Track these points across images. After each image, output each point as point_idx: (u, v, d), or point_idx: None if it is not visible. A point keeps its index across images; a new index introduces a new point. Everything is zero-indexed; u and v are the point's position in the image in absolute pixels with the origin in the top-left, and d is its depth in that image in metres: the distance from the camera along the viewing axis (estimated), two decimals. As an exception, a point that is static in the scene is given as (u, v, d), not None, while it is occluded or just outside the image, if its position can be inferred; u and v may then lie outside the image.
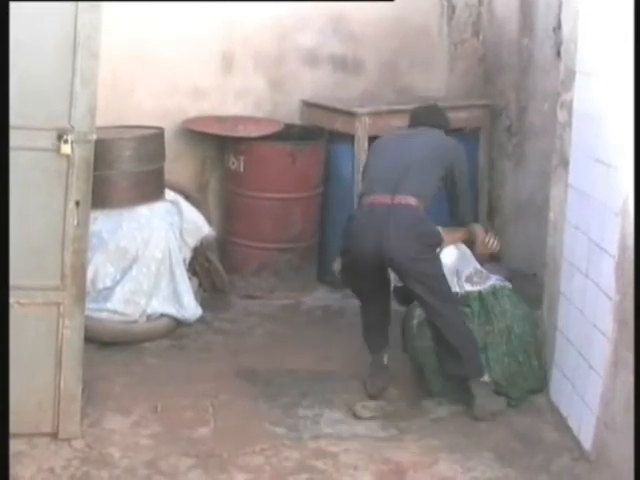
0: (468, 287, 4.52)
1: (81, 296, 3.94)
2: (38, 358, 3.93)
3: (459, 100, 6.23)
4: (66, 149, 3.75)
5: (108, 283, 5.10)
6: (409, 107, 5.04)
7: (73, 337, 3.93)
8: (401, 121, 5.06)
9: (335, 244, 4.88)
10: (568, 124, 4.36)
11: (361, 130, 5.73)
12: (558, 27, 4.78)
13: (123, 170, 5.21)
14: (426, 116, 4.76)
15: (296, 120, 6.17)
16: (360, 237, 4.31)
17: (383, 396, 4.49)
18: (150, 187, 5.34)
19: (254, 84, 6.11)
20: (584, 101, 4.17)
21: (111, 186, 5.15)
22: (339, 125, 5.89)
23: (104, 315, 5.04)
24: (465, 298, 4.49)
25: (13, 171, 3.64)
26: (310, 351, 5.04)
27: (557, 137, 4.51)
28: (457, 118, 5.96)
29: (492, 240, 4.63)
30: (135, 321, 5.12)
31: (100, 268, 5.07)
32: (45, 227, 3.83)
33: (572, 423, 4.15)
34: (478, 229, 4.66)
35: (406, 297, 4.53)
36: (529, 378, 4.49)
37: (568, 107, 4.36)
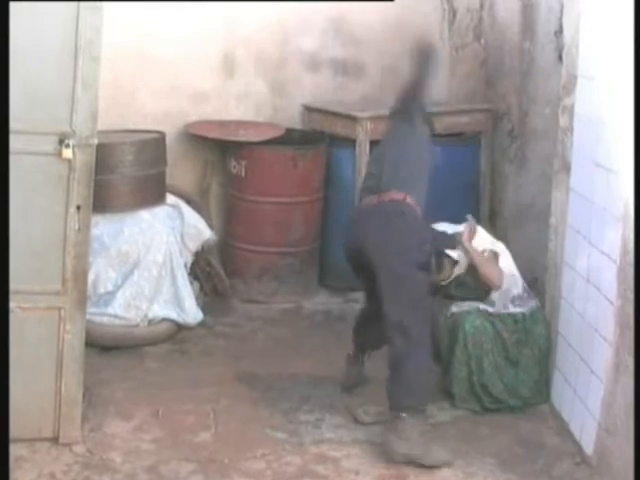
0: (511, 308, 4.52)
1: (82, 300, 3.94)
2: (39, 362, 3.92)
3: (461, 104, 6.23)
4: (67, 153, 3.74)
5: (109, 287, 5.10)
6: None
7: (74, 341, 3.93)
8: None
9: (336, 248, 4.87)
10: (569, 128, 4.36)
11: (362, 134, 5.73)
12: (560, 31, 4.78)
13: (124, 174, 5.21)
14: (395, 113, 4.71)
15: (297, 124, 6.17)
16: (349, 235, 4.35)
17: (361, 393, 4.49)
18: (151, 191, 5.35)
19: (255, 88, 6.12)
20: (586, 105, 4.17)
21: (112, 190, 5.15)
22: (340, 129, 5.89)
23: (105, 319, 5.04)
24: (506, 317, 4.48)
25: (14, 175, 3.64)
26: (311, 356, 5.04)
27: (558, 141, 4.50)
28: (459, 122, 5.99)
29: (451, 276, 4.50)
30: (136, 325, 5.11)
31: (101, 272, 5.07)
32: (46, 231, 3.83)
33: (574, 428, 4.14)
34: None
35: None
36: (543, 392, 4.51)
37: (570, 111, 4.36)
